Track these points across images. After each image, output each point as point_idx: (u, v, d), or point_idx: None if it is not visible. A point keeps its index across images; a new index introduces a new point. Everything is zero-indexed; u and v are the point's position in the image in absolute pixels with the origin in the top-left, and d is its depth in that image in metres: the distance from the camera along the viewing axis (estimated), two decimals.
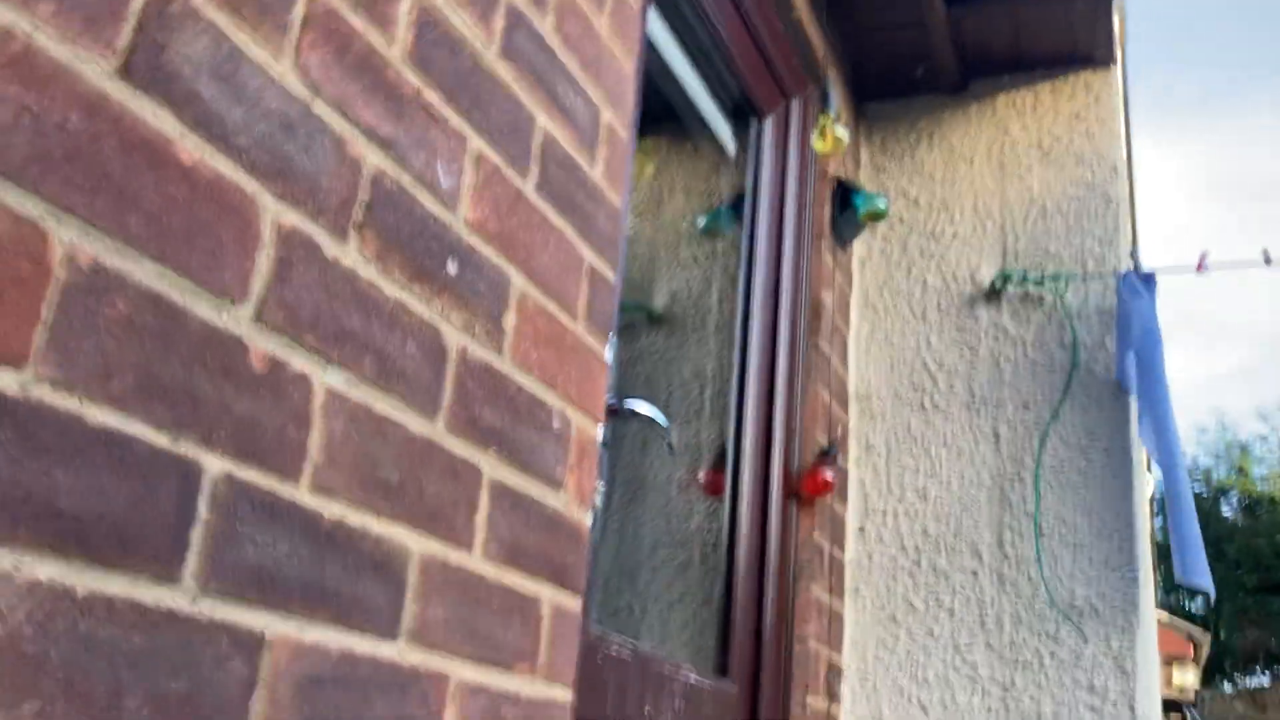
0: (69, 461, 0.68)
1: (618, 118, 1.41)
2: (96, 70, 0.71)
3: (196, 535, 0.76)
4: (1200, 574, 2.42)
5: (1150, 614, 3.02)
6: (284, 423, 0.84)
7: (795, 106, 2.72)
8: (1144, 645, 2.50)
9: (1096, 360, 2.67)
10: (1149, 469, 3.75)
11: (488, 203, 1.11)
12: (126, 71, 0.73)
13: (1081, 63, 2.95)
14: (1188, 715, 11.86)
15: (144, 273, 0.73)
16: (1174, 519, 2.48)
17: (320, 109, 0.90)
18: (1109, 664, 2.43)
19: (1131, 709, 2.38)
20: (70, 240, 0.69)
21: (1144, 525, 2.76)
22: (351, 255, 0.92)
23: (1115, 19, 2.85)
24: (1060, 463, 2.61)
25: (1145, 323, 2.56)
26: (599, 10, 1.38)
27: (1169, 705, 12.71)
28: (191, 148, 0.78)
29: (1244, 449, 20.91)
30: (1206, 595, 2.90)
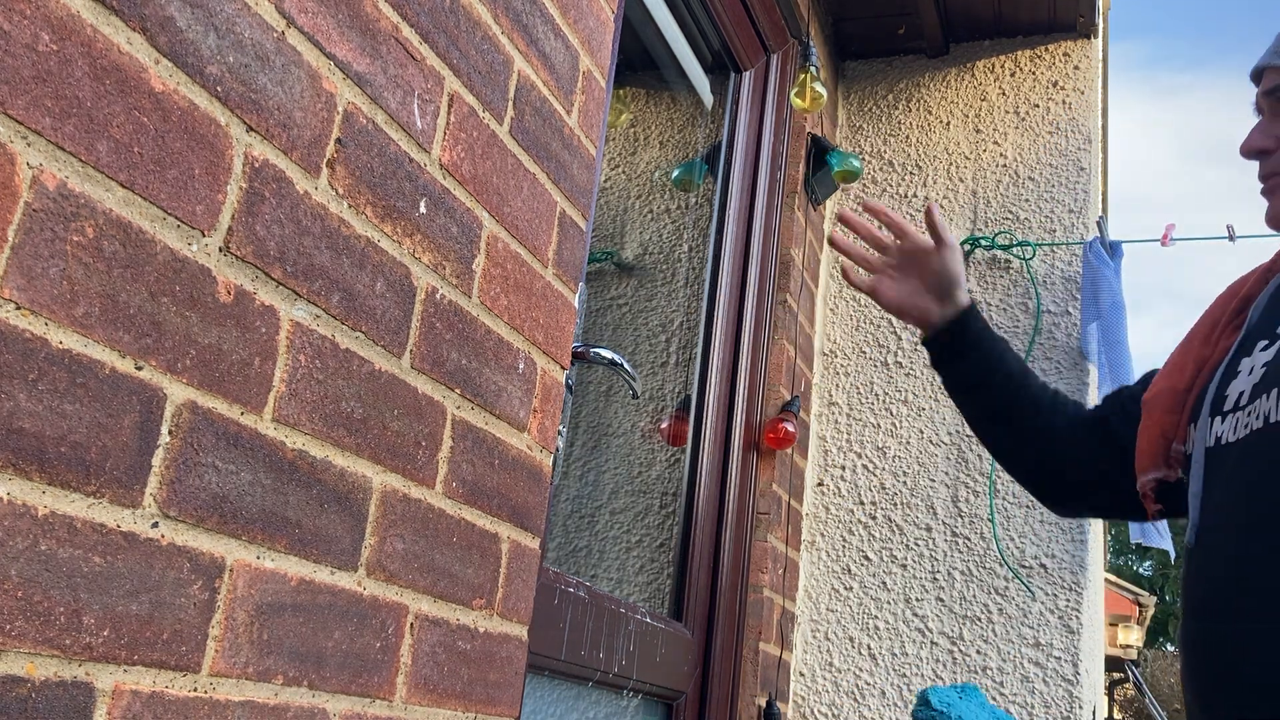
0: (32, 383, 0.68)
1: (596, 64, 1.40)
2: None
3: (158, 460, 0.77)
4: (1158, 537, 2.54)
5: (1098, 575, 3.10)
6: (249, 354, 0.85)
7: (775, 62, 2.71)
8: (1090, 604, 2.58)
9: (1059, 326, 2.72)
10: None
11: (462, 145, 1.11)
12: None
13: (1063, 31, 2.95)
14: (1129, 673, 12.23)
15: (113, 200, 0.74)
16: None
17: (294, 39, 0.89)
18: (1055, 621, 2.50)
19: (1075, 664, 2.46)
20: (38, 163, 0.68)
21: None
22: (322, 191, 0.92)
23: None
24: None
25: (1110, 292, 2.60)
26: None
27: (1112, 663, 13.06)
28: (164, 75, 0.77)
29: None
30: (1166, 554, 3.04)
